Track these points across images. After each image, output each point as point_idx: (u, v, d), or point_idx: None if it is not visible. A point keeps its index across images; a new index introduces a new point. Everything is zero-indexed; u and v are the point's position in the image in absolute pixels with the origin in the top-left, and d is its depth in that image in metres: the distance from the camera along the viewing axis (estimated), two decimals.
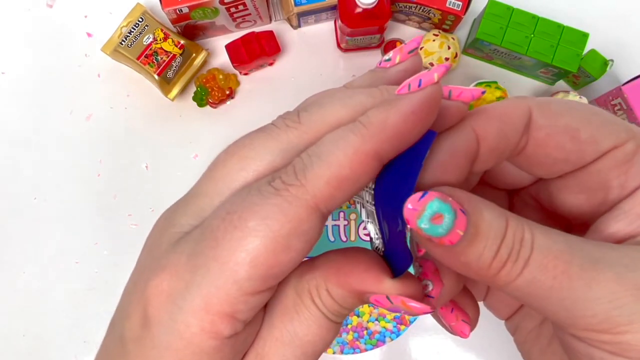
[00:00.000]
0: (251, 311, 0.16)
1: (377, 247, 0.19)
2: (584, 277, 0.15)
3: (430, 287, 0.18)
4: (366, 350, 0.59)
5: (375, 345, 0.59)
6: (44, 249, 0.61)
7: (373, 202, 0.18)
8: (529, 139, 0.18)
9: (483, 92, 0.18)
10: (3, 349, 0.60)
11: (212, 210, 0.17)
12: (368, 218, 0.20)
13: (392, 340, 0.59)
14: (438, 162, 0.17)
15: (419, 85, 0.16)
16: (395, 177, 0.17)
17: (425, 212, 0.15)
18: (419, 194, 0.15)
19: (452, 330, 0.20)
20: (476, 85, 0.59)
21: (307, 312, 0.17)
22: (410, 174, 0.16)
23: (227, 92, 0.61)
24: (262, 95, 0.64)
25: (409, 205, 0.15)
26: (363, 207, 0.20)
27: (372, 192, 0.18)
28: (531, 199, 0.22)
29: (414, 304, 0.17)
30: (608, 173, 0.18)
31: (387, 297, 0.17)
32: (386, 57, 0.20)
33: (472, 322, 0.20)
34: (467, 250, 0.16)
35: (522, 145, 0.18)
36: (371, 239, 0.20)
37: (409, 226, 0.16)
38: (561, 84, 0.64)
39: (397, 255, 0.17)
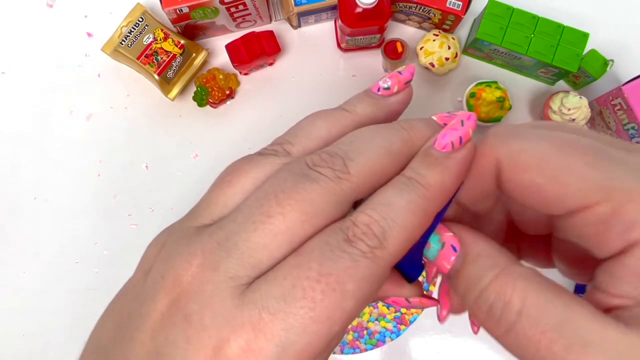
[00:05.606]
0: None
1: None
2: (567, 358, 0.15)
3: (439, 310, 0.22)
4: (366, 350, 0.59)
5: (375, 345, 0.59)
6: (44, 249, 0.61)
7: None
8: (502, 184, 0.18)
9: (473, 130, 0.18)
10: (3, 349, 0.60)
11: (270, 263, 0.17)
12: None
13: (392, 340, 0.59)
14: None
15: (460, 142, 0.18)
16: None
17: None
18: None
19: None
20: (476, 85, 0.59)
21: None
22: (435, 221, 0.18)
23: (227, 92, 0.61)
24: (262, 95, 0.64)
25: None
26: None
27: None
28: None
29: (429, 301, 0.21)
30: (583, 229, 0.17)
31: (407, 300, 0.20)
32: (384, 84, 0.21)
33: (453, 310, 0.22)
34: (455, 283, 0.18)
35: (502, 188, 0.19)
36: None
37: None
38: (561, 84, 0.64)
39: (410, 264, 0.20)
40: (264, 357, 0.15)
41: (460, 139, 0.18)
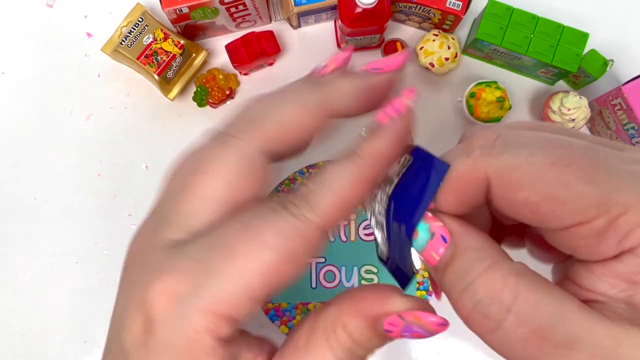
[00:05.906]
0: (248, 316, 0.17)
1: (381, 251, 0.21)
2: (556, 354, 0.15)
3: None
4: None
5: None
6: (44, 249, 0.61)
7: (384, 216, 0.20)
8: (492, 200, 0.18)
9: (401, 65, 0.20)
10: (3, 349, 0.59)
11: (201, 227, 0.18)
12: (376, 226, 0.21)
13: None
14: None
15: (397, 112, 0.18)
16: (409, 200, 0.19)
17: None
18: None
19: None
20: (476, 85, 0.59)
21: (316, 350, 0.18)
22: (422, 202, 0.18)
23: (227, 92, 0.61)
24: None
25: None
26: (373, 216, 0.21)
27: (385, 205, 0.20)
28: None
29: (431, 318, 0.18)
30: (575, 241, 0.17)
31: (400, 317, 0.18)
32: (323, 65, 0.21)
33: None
34: (442, 277, 0.18)
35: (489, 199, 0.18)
36: (377, 244, 0.21)
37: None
38: (561, 84, 0.64)
39: (401, 270, 0.19)
40: (181, 300, 0.16)
41: (397, 109, 0.18)
